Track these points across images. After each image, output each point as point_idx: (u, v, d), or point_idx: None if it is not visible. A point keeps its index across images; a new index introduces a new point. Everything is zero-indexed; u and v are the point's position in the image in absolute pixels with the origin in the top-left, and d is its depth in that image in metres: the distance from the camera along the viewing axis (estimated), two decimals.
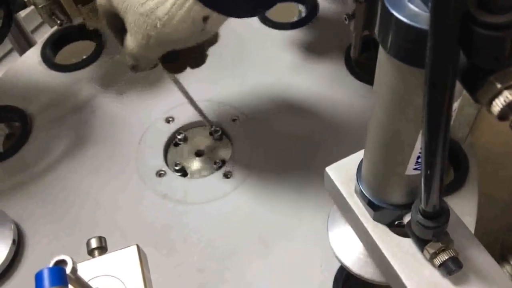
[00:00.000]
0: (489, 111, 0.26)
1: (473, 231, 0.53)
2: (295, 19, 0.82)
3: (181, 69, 0.55)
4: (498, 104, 0.25)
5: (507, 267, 0.72)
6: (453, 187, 0.58)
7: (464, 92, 0.27)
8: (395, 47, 0.28)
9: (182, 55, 0.53)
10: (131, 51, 0.49)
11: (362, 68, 0.71)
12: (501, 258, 0.76)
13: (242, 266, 0.56)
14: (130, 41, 0.48)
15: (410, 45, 0.27)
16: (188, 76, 0.57)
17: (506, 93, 0.25)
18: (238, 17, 0.45)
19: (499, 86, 0.25)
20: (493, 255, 0.39)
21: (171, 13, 0.43)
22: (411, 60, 0.28)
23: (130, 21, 0.47)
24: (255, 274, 0.55)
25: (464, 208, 0.56)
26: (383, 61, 0.31)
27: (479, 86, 0.25)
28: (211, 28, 0.45)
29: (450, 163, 0.61)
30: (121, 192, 0.63)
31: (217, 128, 0.66)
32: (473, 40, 0.24)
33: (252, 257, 0.56)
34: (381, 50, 0.30)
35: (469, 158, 0.60)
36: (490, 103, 0.25)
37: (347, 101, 0.68)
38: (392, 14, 0.27)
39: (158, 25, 0.44)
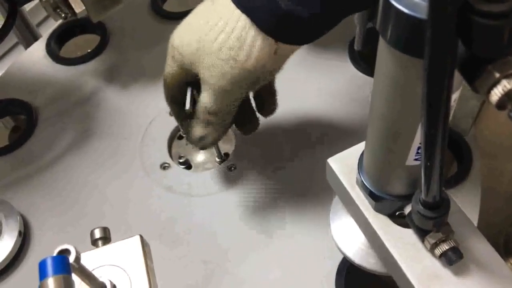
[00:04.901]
0: (488, 101, 0.26)
1: (476, 223, 0.53)
2: None
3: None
4: (496, 93, 0.25)
5: None
6: (456, 179, 0.58)
7: (466, 83, 0.27)
8: (395, 37, 0.28)
9: (237, 123, 0.54)
10: (206, 107, 0.48)
11: (366, 61, 0.71)
12: (505, 252, 0.76)
13: (246, 257, 0.56)
14: (206, 95, 0.47)
15: (409, 35, 0.27)
16: None
17: (504, 82, 0.25)
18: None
19: (497, 75, 0.25)
20: (497, 248, 0.40)
21: (242, 38, 0.43)
22: (411, 50, 0.28)
23: (206, 65, 0.45)
24: (258, 265, 0.56)
25: (467, 200, 0.56)
26: (383, 51, 0.31)
27: (478, 76, 0.26)
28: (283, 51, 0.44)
29: (453, 155, 0.61)
30: (126, 185, 0.63)
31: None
32: (471, 29, 0.24)
33: (255, 248, 0.57)
34: (381, 40, 0.31)
35: (472, 150, 0.60)
36: (488, 92, 0.25)
37: (351, 94, 0.68)
38: (391, 4, 0.27)
39: (232, 54, 0.43)
